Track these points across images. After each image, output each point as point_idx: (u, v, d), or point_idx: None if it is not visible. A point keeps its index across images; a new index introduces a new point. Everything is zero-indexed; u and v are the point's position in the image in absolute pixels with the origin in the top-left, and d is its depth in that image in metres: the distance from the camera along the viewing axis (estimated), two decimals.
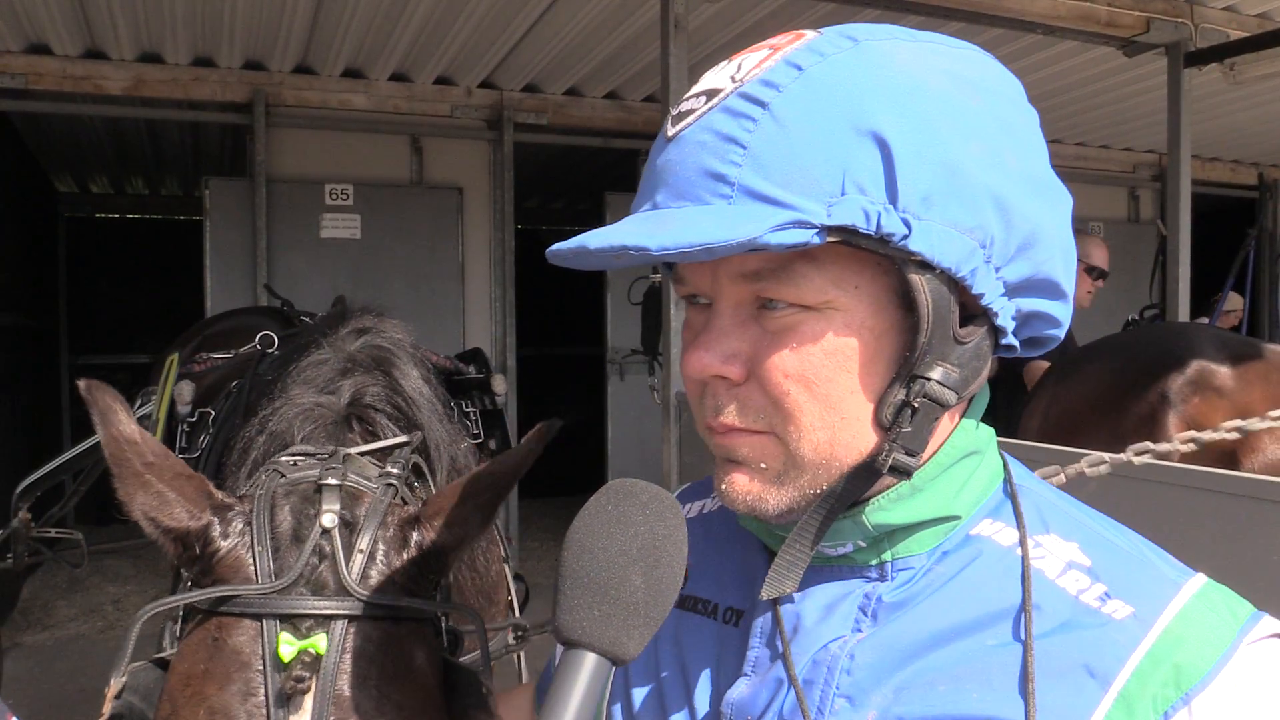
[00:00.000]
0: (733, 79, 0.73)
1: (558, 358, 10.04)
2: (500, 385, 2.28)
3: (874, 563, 0.79)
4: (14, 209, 6.53)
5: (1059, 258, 0.76)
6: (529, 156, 7.23)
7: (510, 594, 1.73)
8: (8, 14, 4.65)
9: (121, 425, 1.09)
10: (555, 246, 0.71)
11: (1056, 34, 4.54)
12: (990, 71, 0.75)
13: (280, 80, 5.67)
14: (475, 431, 2.07)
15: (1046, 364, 4.90)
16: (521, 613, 1.90)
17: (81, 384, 1.12)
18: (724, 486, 0.77)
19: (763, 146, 0.68)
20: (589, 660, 0.66)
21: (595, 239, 0.68)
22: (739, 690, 0.81)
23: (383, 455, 1.32)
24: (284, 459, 1.22)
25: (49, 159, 8.13)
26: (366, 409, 1.39)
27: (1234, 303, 6.10)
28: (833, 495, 0.75)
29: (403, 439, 1.37)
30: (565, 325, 9.91)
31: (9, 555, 3.25)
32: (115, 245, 9.87)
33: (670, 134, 0.74)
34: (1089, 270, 5.16)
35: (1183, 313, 4.80)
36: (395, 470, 1.25)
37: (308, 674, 0.97)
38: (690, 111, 0.74)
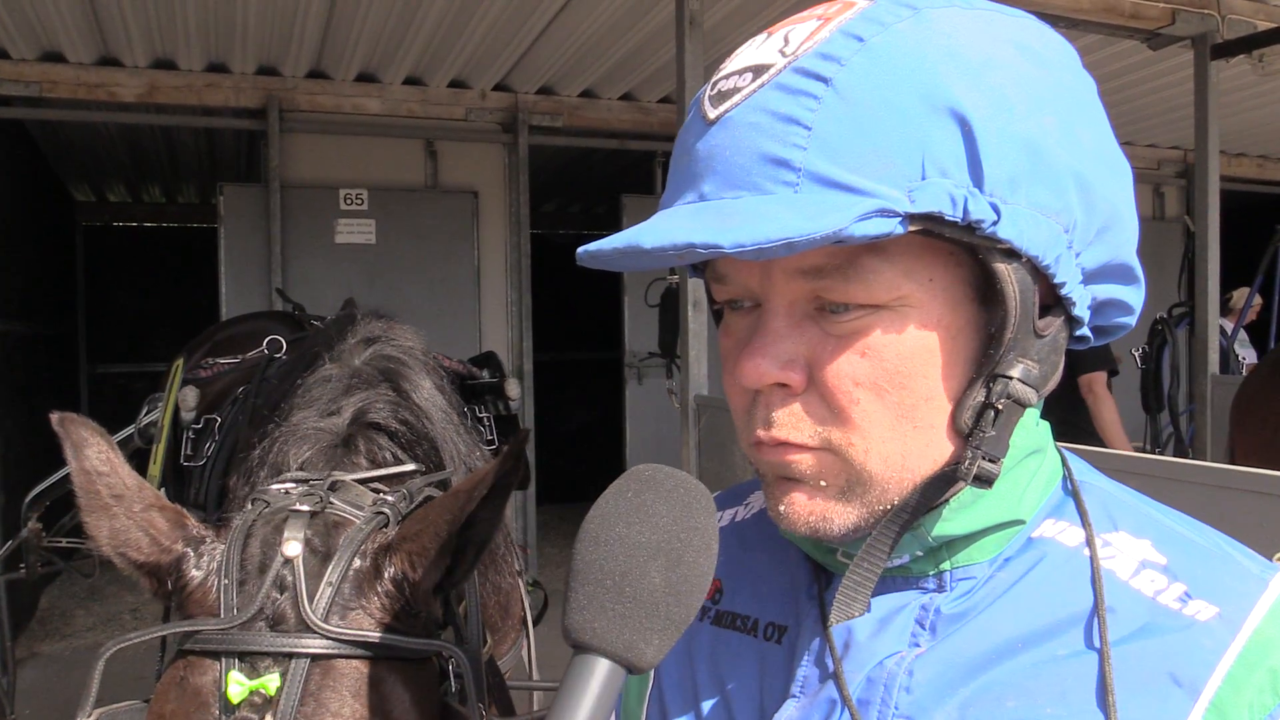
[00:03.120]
0: (782, 53, 0.65)
1: (575, 362, 9.99)
2: (514, 389, 2.22)
3: (931, 573, 0.73)
4: (32, 218, 6.54)
5: (1132, 239, 0.71)
6: (544, 159, 7.20)
7: (524, 606, 1.67)
8: (21, 22, 4.65)
9: (92, 458, 1.05)
10: (592, 247, 0.63)
11: (1080, 27, 4.46)
12: (1051, 40, 0.69)
13: (294, 85, 5.65)
14: (489, 437, 2.02)
15: (1104, 373, 4.82)
16: (538, 622, 1.84)
17: (54, 417, 1.09)
18: (781, 508, 0.70)
19: (829, 127, 0.61)
20: (600, 667, 0.59)
21: (650, 236, 0.60)
22: (787, 713, 0.74)
23: (390, 482, 1.25)
24: (274, 487, 1.16)
25: (66, 168, 8.16)
26: (370, 429, 1.32)
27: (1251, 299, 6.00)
28: (905, 509, 0.68)
29: (409, 467, 1.30)
30: (582, 329, 9.86)
31: (22, 565, 3.22)
32: (132, 253, 9.89)
33: (712, 116, 0.66)
34: None
35: (1212, 311, 4.72)
36: (392, 499, 1.18)
37: (255, 716, 0.91)
38: (735, 90, 0.66)
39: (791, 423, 0.67)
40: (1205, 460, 4.38)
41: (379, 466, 1.28)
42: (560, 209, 10.53)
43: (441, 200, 6.17)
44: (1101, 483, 0.77)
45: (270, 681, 0.93)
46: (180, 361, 2.64)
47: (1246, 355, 6.02)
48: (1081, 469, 0.78)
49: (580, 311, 9.43)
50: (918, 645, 0.71)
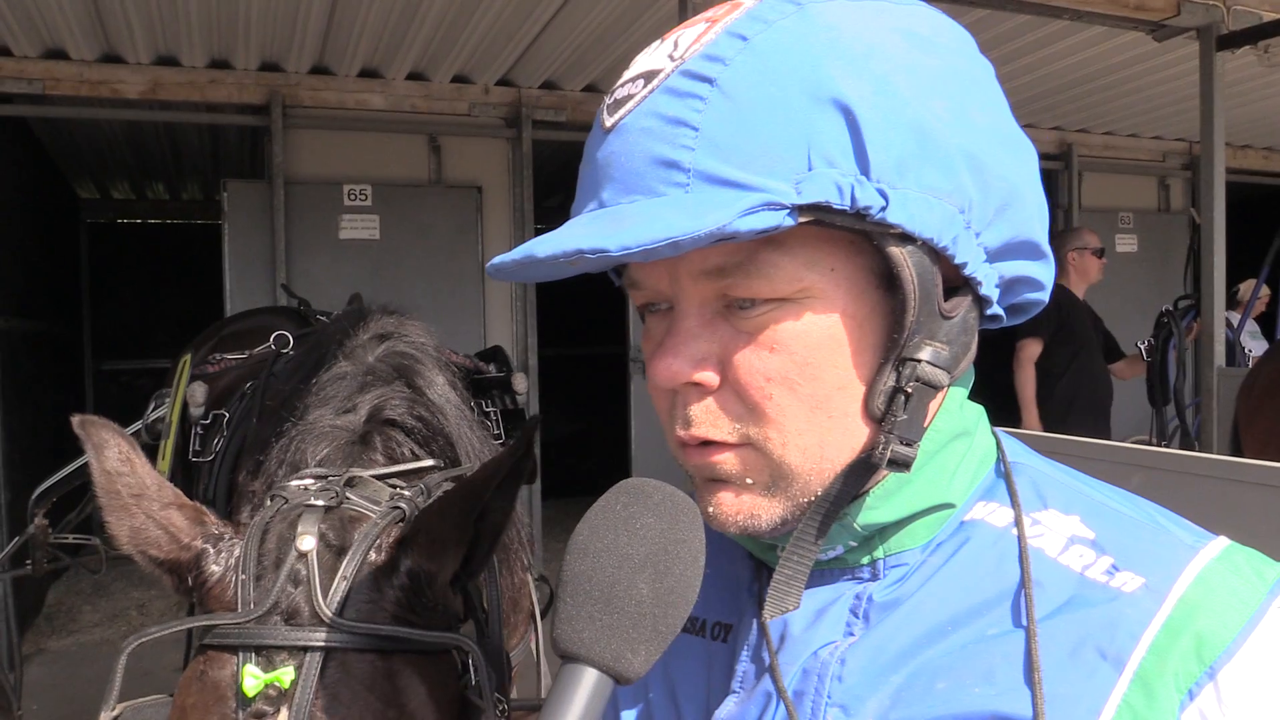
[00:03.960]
0: (671, 57, 0.66)
1: (580, 357, 9.99)
2: (521, 384, 2.22)
3: (865, 562, 0.73)
4: (36, 215, 6.55)
5: (1036, 216, 0.71)
6: (548, 154, 7.18)
7: (533, 601, 1.67)
8: (24, 19, 4.64)
9: (112, 459, 1.06)
10: (497, 260, 0.65)
11: (1084, 19, 4.45)
12: (940, 25, 0.70)
13: (297, 81, 5.65)
14: (496, 432, 2.02)
15: (1039, 341, 4.91)
16: (544, 616, 1.84)
17: (75, 420, 1.10)
18: (711, 509, 0.71)
19: (716, 126, 0.62)
20: (588, 677, 0.59)
21: (543, 246, 0.61)
22: (727, 709, 0.75)
23: (408, 478, 1.26)
24: (292, 484, 1.17)
25: (70, 165, 8.16)
26: (386, 425, 1.33)
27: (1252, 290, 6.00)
28: (827, 499, 0.68)
29: (427, 463, 1.30)
30: (587, 324, 9.85)
31: (29, 561, 3.23)
32: (136, 250, 9.90)
33: (608, 124, 0.68)
34: (1094, 253, 5.17)
35: (1218, 304, 4.71)
36: (409, 494, 1.18)
37: (270, 709, 0.92)
38: (628, 98, 0.67)
39: (709, 420, 0.68)
40: (1211, 453, 4.37)
41: (396, 463, 1.28)
42: (564, 204, 10.49)
43: (445, 195, 6.17)
44: (1035, 463, 0.78)
45: (285, 675, 0.94)
46: (188, 357, 2.64)
47: (1255, 347, 6.00)
48: (1016, 450, 0.78)
49: (585, 307, 9.42)
50: (851, 634, 0.72)
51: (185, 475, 2.12)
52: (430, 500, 1.19)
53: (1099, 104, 6.54)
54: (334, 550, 1.05)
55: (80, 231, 9.08)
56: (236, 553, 1.05)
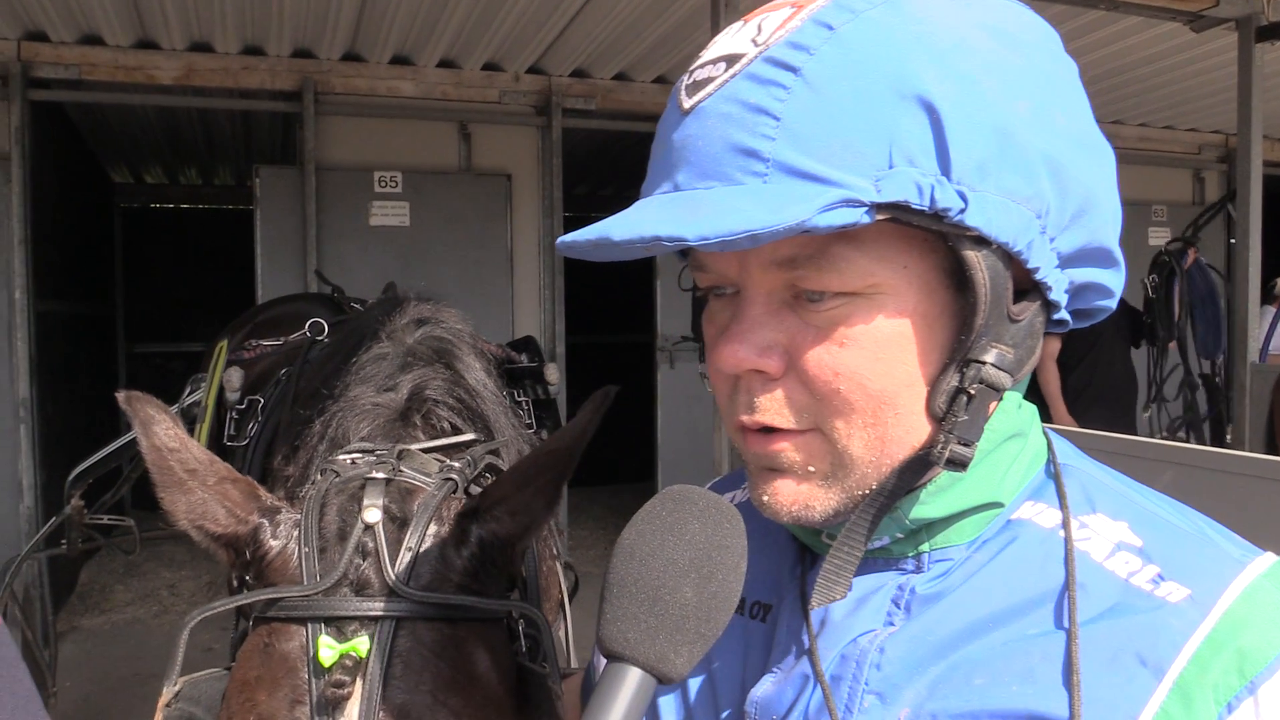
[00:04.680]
0: (754, 42, 0.66)
1: (607, 345, 10.00)
2: (553, 374, 2.23)
3: (910, 554, 0.74)
4: (72, 200, 6.62)
5: (1111, 222, 0.71)
6: (578, 142, 7.19)
7: (561, 589, 1.68)
8: (61, 6, 4.70)
9: (162, 434, 1.06)
10: (568, 237, 0.65)
11: (1121, 9, 4.40)
12: (1027, 22, 0.69)
13: (329, 68, 5.68)
14: (528, 421, 2.03)
15: (1057, 338, 4.88)
16: (571, 601, 1.86)
17: (121, 395, 1.10)
18: (765, 498, 0.71)
19: (798, 117, 0.62)
20: (632, 676, 0.61)
21: (620, 229, 0.61)
22: (764, 688, 0.76)
23: (449, 452, 1.27)
24: (341, 458, 1.18)
25: (104, 150, 8.24)
26: (428, 403, 1.34)
27: None
28: (882, 493, 0.69)
29: (469, 436, 1.32)
30: (615, 312, 9.86)
31: (64, 541, 3.28)
32: (169, 235, 9.99)
33: (687, 106, 0.67)
34: None
35: (1253, 297, 4.65)
36: (458, 465, 1.20)
37: (348, 679, 0.92)
38: (708, 80, 0.67)
39: (774, 408, 0.69)
40: (1244, 449, 4.32)
41: (438, 438, 1.29)
42: (593, 192, 10.51)
43: (475, 183, 6.18)
44: (1085, 466, 0.78)
45: (360, 645, 0.95)
46: (224, 343, 2.67)
47: None
48: (1066, 452, 0.78)
49: (612, 294, 9.43)
50: (892, 624, 0.72)
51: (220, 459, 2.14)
52: (477, 472, 1.21)
53: (1134, 95, 6.47)
54: (397, 522, 1.07)
55: (114, 215, 9.17)
56: (296, 526, 1.06)
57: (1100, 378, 5.25)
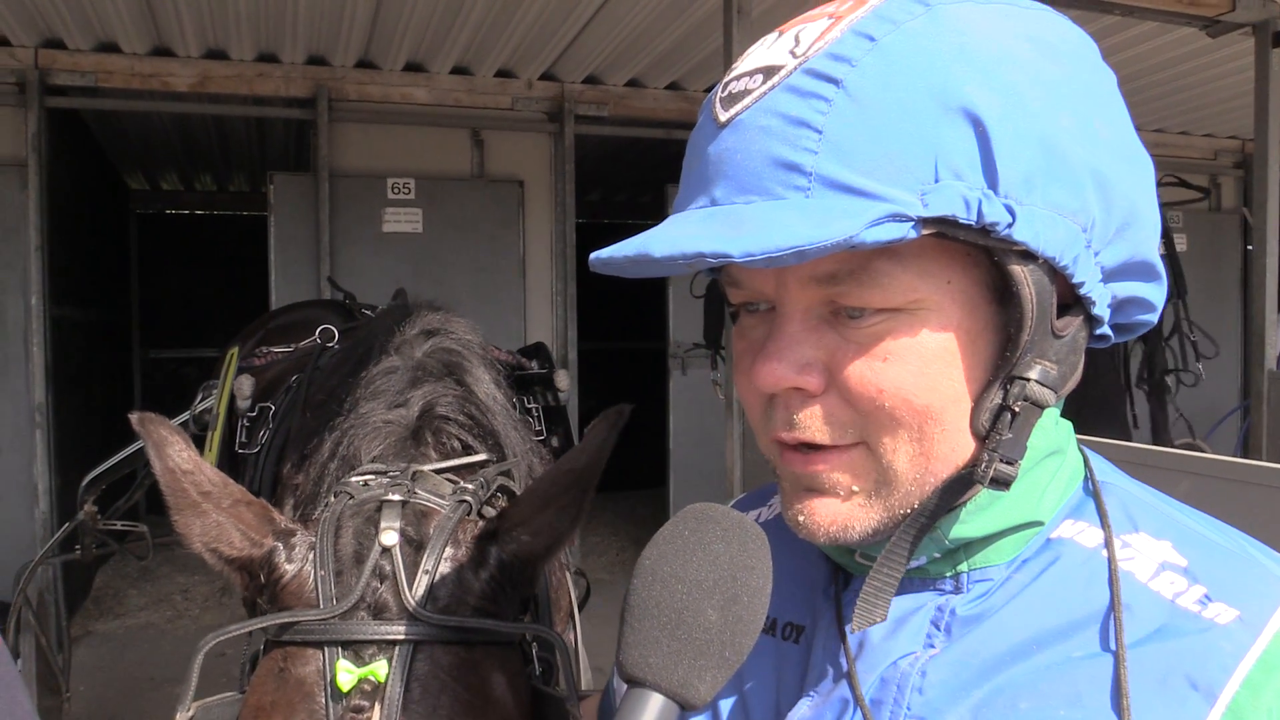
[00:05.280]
0: (793, 53, 0.64)
1: (619, 352, 10.00)
2: (564, 381, 2.23)
3: (948, 574, 0.72)
4: (88, 206, 6.66)
5: (1152, 235, 0.69)
6: (590, 149, 7.19)
7: (571, 600, 1.68)
8: (78, 14, 4.73)
9: (175, 457, 1.06)
10: (604, 254, 0.63)
11: (1136, 15, 4.37)
12: (1066, 32, 0.67)
13: (343, 75, 5.70)
14: (538, 429, 2.03)
15: None
16: (582, 609, 1.86)
17: (134, 417, 1.09)
18: (801, 518, 0.70)
19: (840, 130, 0.60)
20: (654, 702, 0.59)
21: (660, 245, 0.60)
22: (801, 712, 0.74)
23: (461, 473, 1.26)
24: (354, 479, 1.17)
25: (120, 157, 8.29)
26: (439, 420, 1.33)
27: None
28: (924, 512, 0.67)
29: (481, 456, 1.31)
30: (627, 319, 9.86)
31: (78, 546, 3.29)
32: (184, 241, 10.04)
33: (723, 119, 0.66)
34: None
35: (1269, 305, 4.61)
36: (471, 486, 1.19)
37: (367, 703, 0.92)
38: (745, 92, 0.65)
39: (815, 425, 0.67)
40: (1261, 459, 4.29)
41: (449, 457, 1.29)
42: (605, 198, 10.52)
43: (487, 189, 6.19)
44: (1124, 483, 0.76)
45: (379, 669, 0.94)
46: (235, 350, 2.67)
47: None
48: (1104, 469, 0.77)
49: (624, 301, 9.43)
50: (932, 646, 0.71)
51: (231, 467, 2.15)
52: (490, 494, 1.21)
53: (1150, 101, 6.43)
54: (413, 544, 1.06)
55: (129, 221, 9.22)
56: (311, 549, 1.05)
57: (1091, 391, 5.20)
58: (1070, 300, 0.67)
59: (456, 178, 6.15)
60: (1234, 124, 7.07)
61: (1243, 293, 7.40)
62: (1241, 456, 5.00)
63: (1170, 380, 5.27)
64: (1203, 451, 4.56)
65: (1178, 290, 5.25)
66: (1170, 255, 5.28)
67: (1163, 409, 5.24)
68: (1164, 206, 5.09)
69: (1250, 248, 4.92)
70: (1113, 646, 0.64)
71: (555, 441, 2.10)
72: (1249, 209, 5.35)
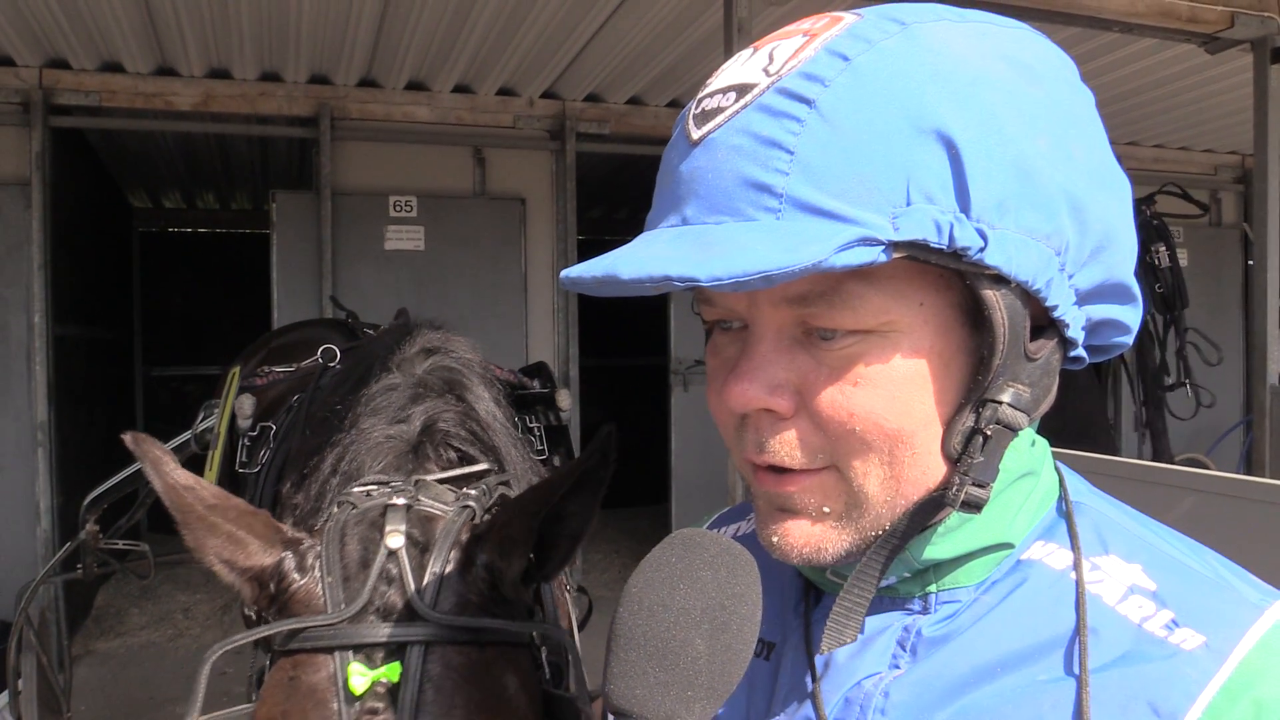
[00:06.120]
0: (766, 71, 0.63)
1: (621, 368, 10.00)
2: (565, 401, 2.23)
3: (917, 595, 0.72)
4: (91, 224, 6.68)
5: (1128, 257, 0.69)
6: (592, 166, 7.21)
7: (571, 619, 1.67)
8: (82, 34, 4.75)
9: (174, 473, 1.06)
10: (573, 273, 0.62)
11: (1134, 32, 4.38)
12: (1044, 53, 0.67)
13: (345, 94, 5.72)
14: (539, 448, 2.03)
15: None
16: (583, 627, 1.86)
17: (127, 437, 1.09)
18: (775, 539, 0.69)
19: (812, 151, 0.59)
20: None
21: (628, 266, 0.59)
22: None
23: (461, 482, 1.27)
24: (356, 490, 1.18)
25: (123, 175, 8.32)
26: (440, 435, 1.34)
27: None
28: (895, 534, 0.67)
29: (482, 466, 1.31)
30: (629, 335, 9.87)
31: (79, 565, 3.29)
32: (187, 258, 10.06)
33: (695, 136, 0.65)
34: None
35: (1272, 320, 4.61)
36: (474, 493, 1.19)
37: (381, 705, 0.92)
38: (718, 110, 0.64)
39: (785, 449, 0.66)
40: (1264, 475, 4.28)
41: (451, 469, 1.29)
42: (607, 215, 10.55)
43: (489, 207, 6.21)
44: (1098, 504, 0.75)
45: (392, 671, 0.94)
46: (237, 369, 2.68)
47: None
48: (1079, 489, 0.76)
49: (626, 317, 9.44)
50: (897, 667, 0.70)
51: (232, 486, 2.15)
52: (492, 501, 1.21)
53: (1149, 117, 6.45)
54: (419, 547, 1.06)
55: (132, 239, 9.24)
56: (317, 557, 1.05)
57: (1071, 414, 5.17)
58: (1044, 322, 0.66)
59: (458, 195, 6.17)
60: (1234, 139, 7.08)
61: (1244, 308, 7.40)
62: (1244, 472, 4.99)
63: (1189, 392, 5.26)
64: (1205, 468, 4.55)
65: (1180, 302, 5.25)
66: (1174, 268, 5.28)
67: (1160, 416, 5.22)
68: (1165, 220, 5.09)
69: (1251, 263, 4.91)
70: (1077, 671, 0.63)
71: (557, 460, 2.10)
72: (1249, 224, 5.35)
